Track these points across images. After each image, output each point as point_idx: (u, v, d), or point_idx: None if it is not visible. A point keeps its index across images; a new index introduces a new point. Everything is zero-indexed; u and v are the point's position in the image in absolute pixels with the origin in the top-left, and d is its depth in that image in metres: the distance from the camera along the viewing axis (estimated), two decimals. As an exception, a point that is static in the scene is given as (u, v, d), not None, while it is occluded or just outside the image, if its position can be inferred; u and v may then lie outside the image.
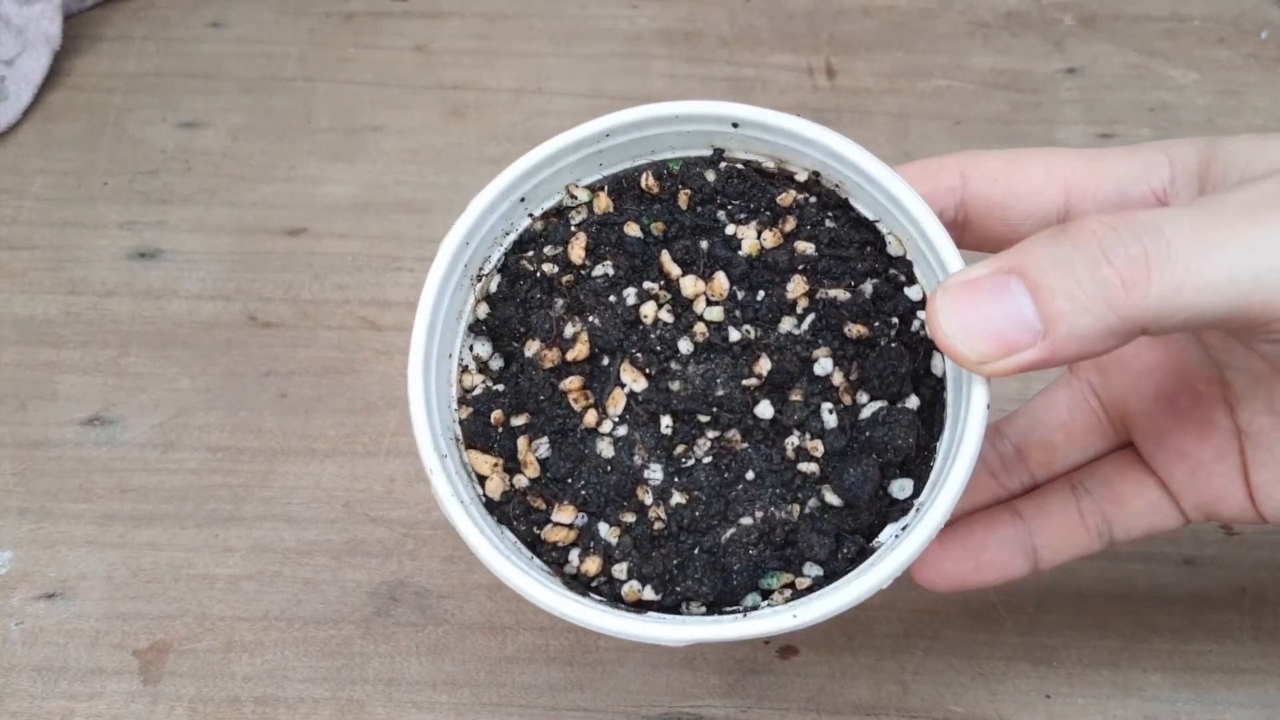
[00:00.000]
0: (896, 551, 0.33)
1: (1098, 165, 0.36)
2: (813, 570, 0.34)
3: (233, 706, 0.44)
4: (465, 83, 0.65)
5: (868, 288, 0.36)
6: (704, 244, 0.36)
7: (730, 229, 0.37)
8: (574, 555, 0.35)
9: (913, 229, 0.35)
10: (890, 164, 0.36)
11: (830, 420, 0.35)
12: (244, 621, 0.46)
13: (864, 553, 0.34)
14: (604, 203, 0.38)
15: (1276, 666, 0.45)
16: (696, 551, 0.35)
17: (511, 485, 0.36)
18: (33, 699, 0.44)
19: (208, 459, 0.51)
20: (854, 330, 0.35)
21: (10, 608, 0.47)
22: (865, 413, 0.35)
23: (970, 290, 0.31)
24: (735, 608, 0.35)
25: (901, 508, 0.35)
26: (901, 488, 0.35)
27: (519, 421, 0.36)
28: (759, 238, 0.36)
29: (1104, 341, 0.30)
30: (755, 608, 0.34)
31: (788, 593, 0.35)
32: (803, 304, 0.36)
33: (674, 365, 0.36)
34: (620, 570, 0.35)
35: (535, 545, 0.35)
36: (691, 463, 0.35)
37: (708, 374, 0.35)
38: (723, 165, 0.38)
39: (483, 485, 0.36)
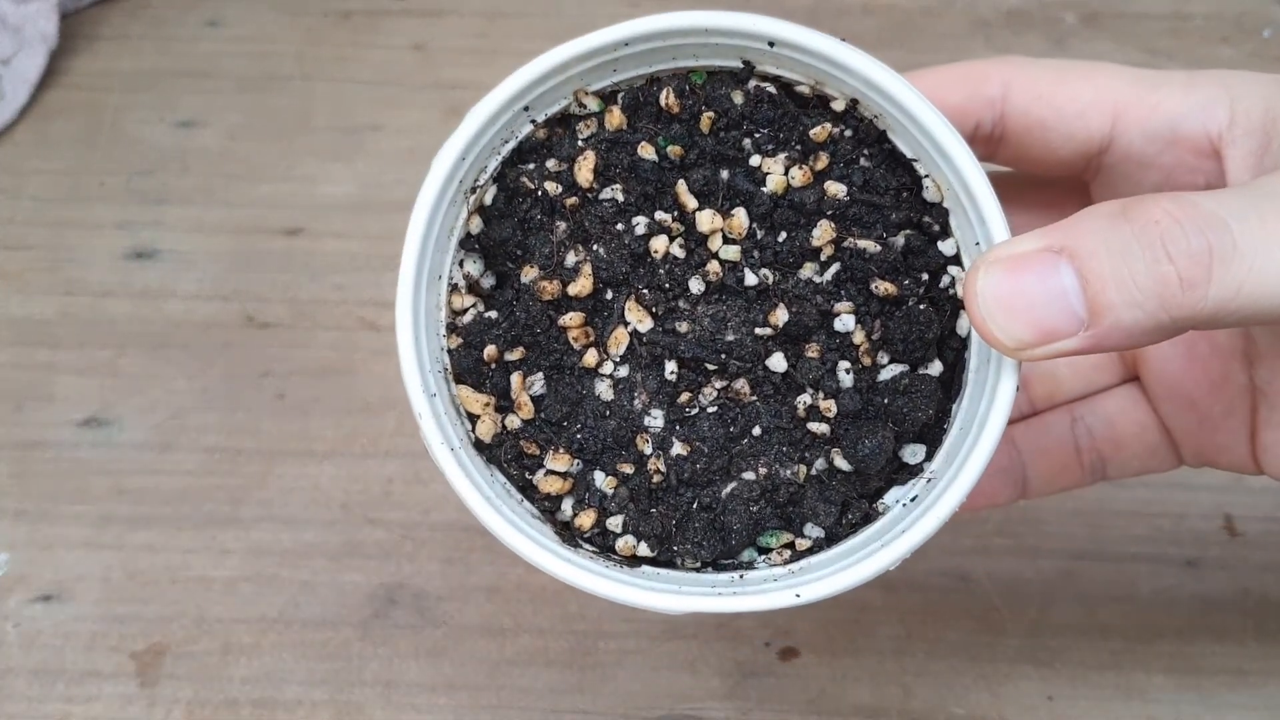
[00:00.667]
0: (906, 535, 0.31)
1: (1151, 94, 0.34)
2: (814, 531, 0.33)
3: (230, 709, 0.44)
4: (464, 82, 0.65)
5: (899, 240, 0.33)
6: (724, 174, 0.34)
7: (755, 160, 0.33)
8: (567, 505, 0.34)
9: (954, 179, 0.32)
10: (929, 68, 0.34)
11: (846, 380, 0.33)
12: (241, 624, 0.46)
13: (868, 517, 0.33)
14: (617, 118, 0.34)
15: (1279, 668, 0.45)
16: (695, 507, 0.33)
17: (503, 426, 0.34)
18: (29, 701, 0.44)
19: (205, 460, 0.51)
20: (881, 288, 0.33)
21: (6, 610, 0.46)
22: (884, 374, 0.33)
23: (1015, 269, 0.29)
24: (732, 562, 0.34)
25: (910, 471, 0.34)
26: (913, 453, 0.34)
27: (513, 356, 0.34)
28: (786, 174, 0.33)
29: (1149, 337, 0.28)
30: (751, 564, 0.34)
31: (786, 553, 0.33)
32: (828, 251, 0.33)
33: (682, 304, 0.33)
34: (615, 523, 0.33)
35: (527, 489, 0.34)
36: (695, 412, 0.33)
37: (718, 317, 0.33)
38: (752, 85, 0.34)
39: (473, 425, 0.34)
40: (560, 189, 0.34)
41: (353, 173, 0.61)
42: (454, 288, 0.35)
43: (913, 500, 0.33)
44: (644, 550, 0.33)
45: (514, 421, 0.34)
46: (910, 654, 0.45)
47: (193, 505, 0.49)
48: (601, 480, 0.33)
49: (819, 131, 0.33)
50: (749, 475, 0.33)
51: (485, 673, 0.45)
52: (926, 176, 0.33)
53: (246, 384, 0.53)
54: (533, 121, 0.34)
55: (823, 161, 0.33)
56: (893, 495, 0.34)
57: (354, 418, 0.52)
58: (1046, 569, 0.47)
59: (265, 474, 0.50)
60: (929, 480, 0.33)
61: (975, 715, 0.44)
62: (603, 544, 0.34)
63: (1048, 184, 0.39)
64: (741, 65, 0.34)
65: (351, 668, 0.45)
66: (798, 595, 0.31)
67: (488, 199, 0.35)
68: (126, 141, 0.62)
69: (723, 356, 0.33)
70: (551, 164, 0.34)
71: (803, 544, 0.33)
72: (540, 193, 0.34)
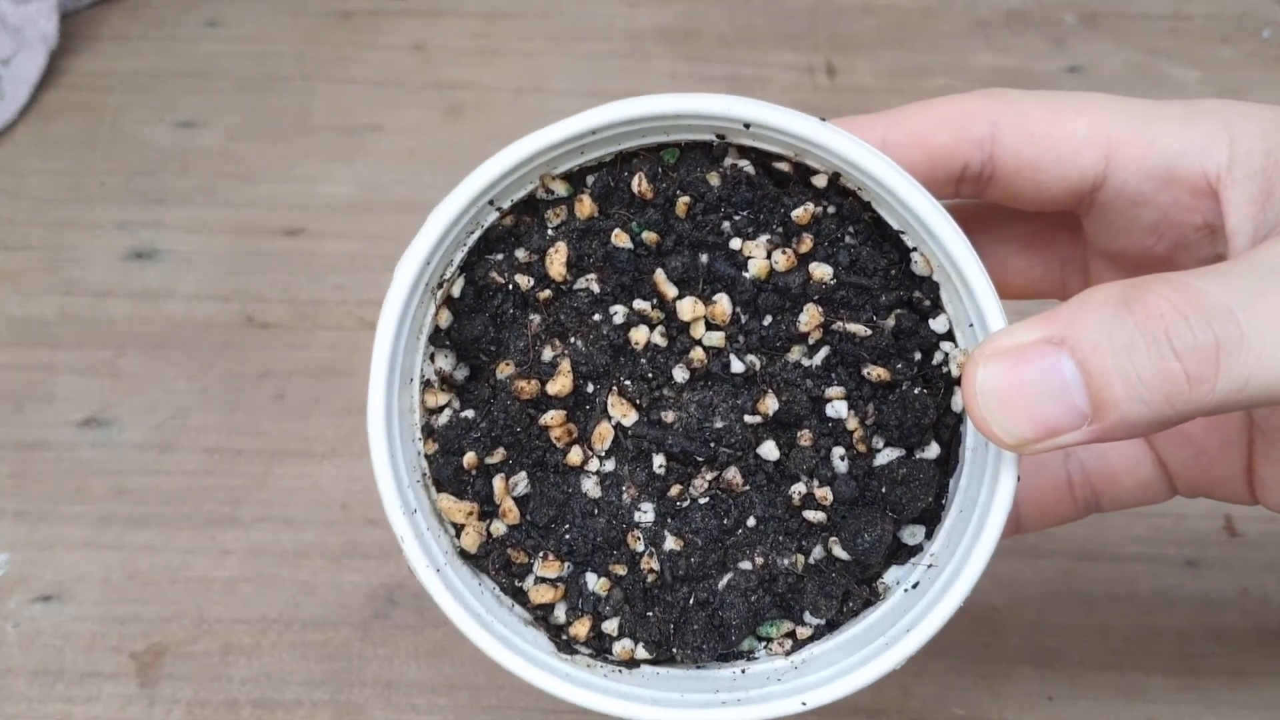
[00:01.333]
0: (912, 635, 0.31)
1: (1147, 129, 0.32)
2: (813, 619, 0.33)
3: (230, 710, 0.44)
4: (464, 82, 0.65)
5: (890, 322, 0.32)
6: (704, 258, 0.32)
7: (736, 243, 0.32)
8: (560, 610, 0.33)
9: (944, 258, 0.31)
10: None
11: (841, 466, 0.32)
12: (241, 624, 0.46)
13: (868, 601, 0.33)
14: (588, 207, 0.32)
15: (1280, 668, 0.45)
16: (692, 603, 0.32)
17: (489, 534, 0.33)
18: (29, 702, 0.44)
19: (205, 460, 0.51)
20: (874, 373, 0.32)
21: (6, 610, 0.46)
22: (880, 459, 0.32)
23: (1014, 364, 0.28)
24: (732, 653, 0.33)
25: (909, 550, 0.33)
26: (912, 533, 0.33)
27: (494, 460, 0.33)
28: (769, 258, 0.32)
29: (1153, 428, 0.28)
30: (752, 654, 0.33)
31: (788, 642, 0.33)
32: (815, 335, 0.32)
33: (667, 393, 0.32)
34: (611, 626, 0.33)
35: (517, 593, 0.33)
36: (687, 504, 0.32)
37: (705, 404, 0.32)
38: (728, 164, 0.32)
39: (457, 533, 0.33)
40: (532, 282, 0.32)
41: (353, 173, 0.61)
42: (426, 384, 0.33)
43: (914, 587, 0.33)
44: (642, 653, 0.33)
45: (499, 528, 0.33)
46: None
47: (193, 505, 0.49)
48: (594, 583, 0.33)
49: (801, 214, 0.32)
50: (745, 565, 0.32)
51: (485, 673, 0.45)
52: (914, 250, 0.32)
53: (246, 384, 0.53)
54: (498, 209, 0.33)
55: (806, 244, 0.32)
56: (892, 575, 0.33)
57: (354, 418, 0.52)
58: (1046, 569, 0.47)
59: (265, 474, 0.50)
60: (930, 565, 0.32)
61: (975, 715, 0.44)
62: (599, 647, 0.33)
63: (1035, 217, 0.38)
64: (715, 139, 0.32)
65: (351, 668, 0.45)
66: (804, 704, 0.31)
67: (456, 291, 0.33)
68: (126, 142, 0.62)
69: (712, 446, 0.32)
70: (521, 254, 0.33)
71: (804, 632, 0.33)
72: (511, 286, 0.33)
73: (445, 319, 0.33)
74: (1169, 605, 0.46)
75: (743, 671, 0.33)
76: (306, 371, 0.53)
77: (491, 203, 0.32)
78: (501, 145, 0.64)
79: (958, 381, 0.32)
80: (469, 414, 0.33)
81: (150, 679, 0.45)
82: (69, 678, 0.45)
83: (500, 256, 0.33)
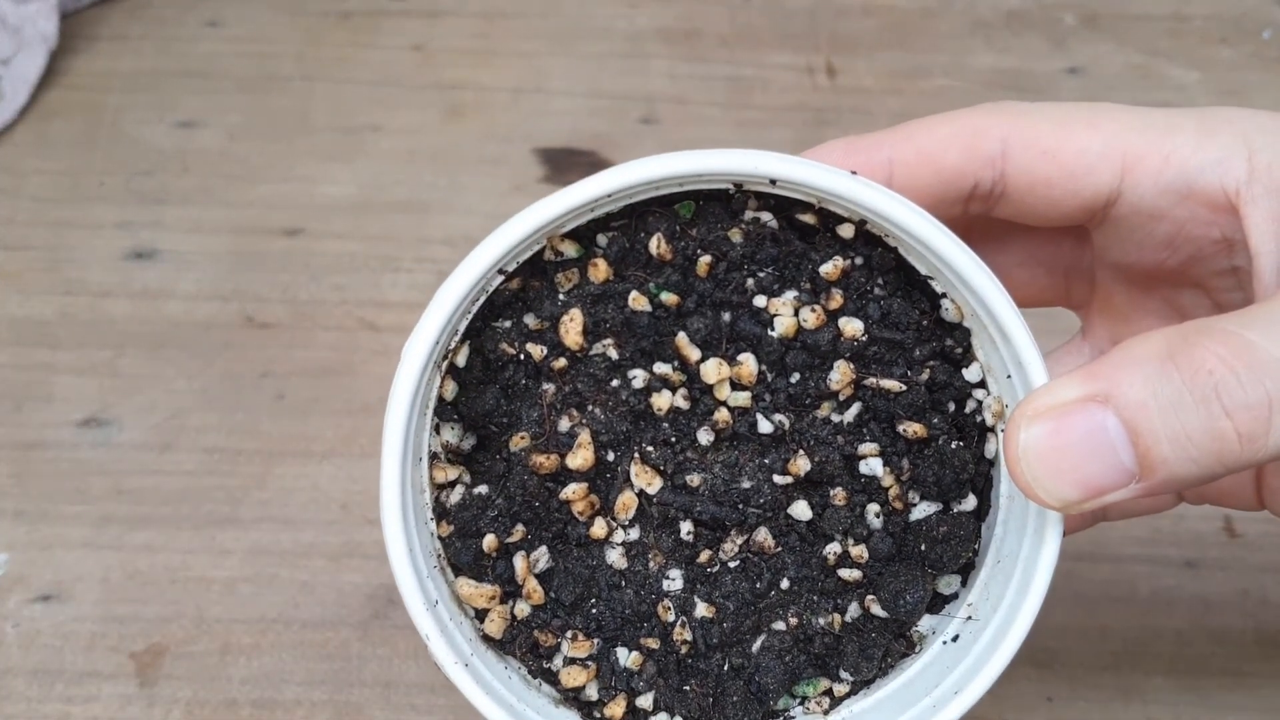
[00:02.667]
0: (958, 699, 0.30)
1: (1163, 143, 0.32)
2: (849, 676, 0.32)
3: (229, 709, 0.44)
4: (464, 82, 0.64)
5: (924, 376, 0.31)
6: (726, 316, 0.31)
7: (760, 300, 0.31)
8: (592, 689, 0.32)
9: (979, 308, 0.30)
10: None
11: (876, 523, 0.31)
12: (241, 624, 0.46)
13: (904, 654, 0.32)
14: (603, 271, 0.31)
15: (1279, 669, 0.45)
16: (726, 669, 0.31)
17: (513, 616, 0.32)
18: (29, 702, 0.44)
19: (204, 461, 0.51)
20: (910, 430, 0.31)
21: (6, 610, 0.46)
22: (916, 514, 0.32)
23: (1057, 425, 0.27)
24: (769, 715, 0.32)
25: (944, 599, 0.33)
26: (948, 583, 0.33)
27: (513, 538, 0.31)
28: (797, 316, 0.30)
29: (1200, 484, 0.27)
30: (788, 712, 0.32)
31: (825, 701, 0.32)
32: (846, 392, 0.31)
33: (691, 455, 0.31)
34: (646, 702, 0.31)
35: (545, 674, 0.32)
36: (717, 569, 0.31)
37: (731, 463, 0.31)
38: (749, 218, 0.31)
39: (480, 618, 0.32)
40: (545, 351, 0.31)
41: (352, 173, 0.61)
42: (433, 457, 0.32)
43: (954, 640, 0.32)
44: None
45: (524, 609, 0.31)
46: None
47: (192, 505, 0.49)
48: (626, 658, 0.31)
49: (830, 270, 0.31)
50: (779, 625, 0.32)
51: (484, 673, 0.45)
52: (944, 296, 0.31)
53: (246, 384, 0.53)
54: (502, 272, 0.31)
55: (836, 300, 0.31)
56: (926, 623, 0.33)
57: (354, 418, 0.52)
58: (1046, 570, 0.47)
59: (265, 474, 0.50)
60: (969, 618, 0.32)
61: (974, 716, 0.44)
62: None
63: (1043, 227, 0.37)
64: (733, 189, 0.31)
65: (351, 668, 0.45)
66: None
67: (460, 360, 0.31)
68: (126, 142, 0.62)
69: (740, 507, 0.31)
70: (531, 321, 0.31)
71: (840, 689, 0.32)
72: (523, 356, 0.31)
73: (450, 390, 0.32)
74: (1168, 606, 0.46)
75: None
76: (306, 371, 0.53)
77: (500, 269, 0.31)
78: (501, 146, 0.64)
79: (991, 430, 0.32)
80: (483, 490, 0.32)
81: (149, 679, 0.45)
82: (68, 678, 0.45)
83: (509, 324, 0.31)
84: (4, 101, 0.62)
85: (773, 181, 0.30)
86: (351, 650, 0.45)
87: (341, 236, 0.58)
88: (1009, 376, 0.31)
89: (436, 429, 0.32)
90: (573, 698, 0.32)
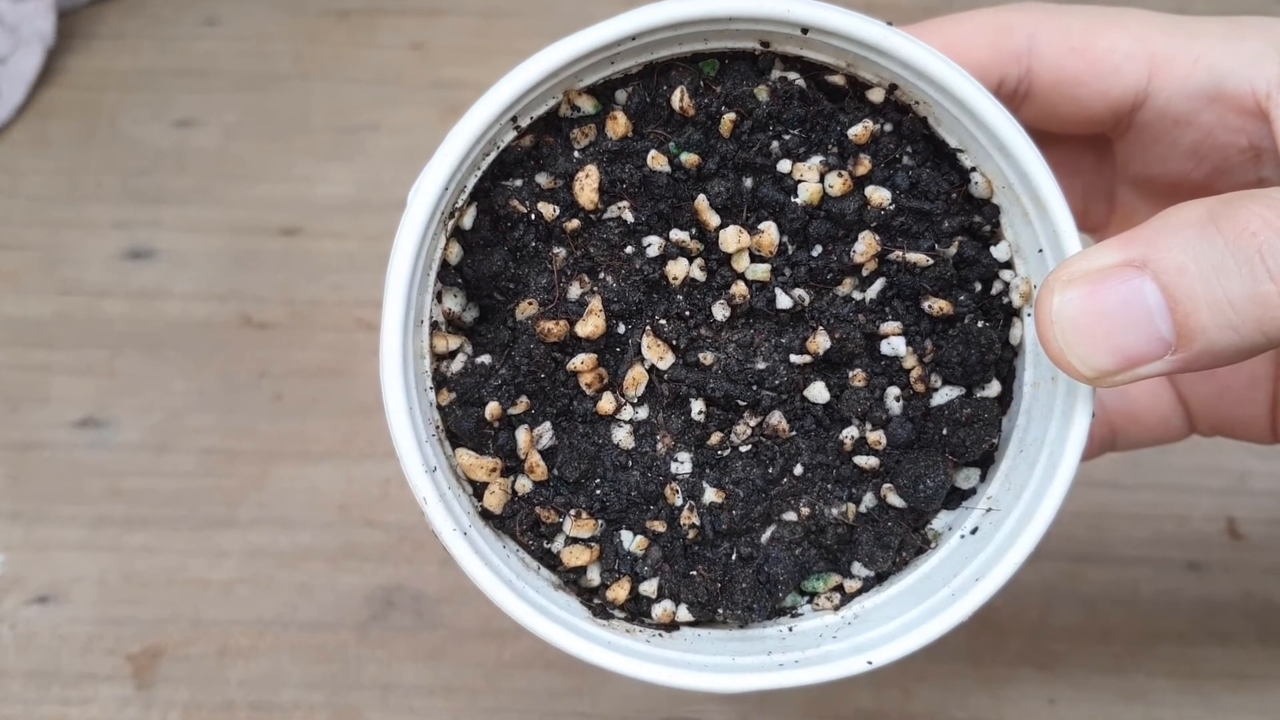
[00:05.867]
0: (980, 585, 0.29)
1: (1191, 45, 0.31)
2: (862, 570, 0.31)
3: (226, 712, 0.44)
4: (463, 81, 0.64)
5: (952, 250, 0.30)
6: (748, 182, 0.29)
7: (785, 165, 0.29)
8: (594, 572, 0.31)
9: (1014, 175, 0.29)
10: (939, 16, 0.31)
11: (895, 408, 0.30)
12: (238, 626, 0.46)
13: (919, 549, 0.31)
14: (622, 125, 0.29)
15: (1283, 671, 0.44)
16: (735, 559, 0.30)
17: (514, 492, 0.30)
18: (25, 704, 0.44)
19: (202, 461, 0.50)
20: (936, 306, 0.29)
21: (2, 612, 0.46)
22: (938, 399, 0.30)
23: (1093, 290, 0.26)
24: (777, 612, 0.31)
25: (961, 495, 0.31)
26: (966, 476, 0.31)
27: (516, 410, 0.30)
28: (822, 182, 0.29)
29: (1240, 357, 0.26)
30: (795, 610, 0.31)
31: (836, 597, 0.31)
32: (870, 266, 0.29)
33: (704, 332, 0.30)
34: (649, 588, 0.30)
35: (544, 556, 0.31)
36: (727, 453, 0.30)
37: (746, 343, 0.30)
38: (776, 78, 0.29)
39: (478, 493, 0.30)
40: (557, 211, 0.29)
41: (350, 172, 0.60)
42: (434, 326, 0.30)
43: (973, 533, 0.31)
44: (684, 615, 0.30)
45: (525, 485, 0.30)
46: (910, 656, 0.45)
47: (189, 507, 0.49)
48: (630, 541, 0.30)
49: (860, 132, 0.29)
50: (790, 516, 0.30)
51: (483, 675, 0.45)
52: (974, 170, 0.30)
53: (243, 385, 0.53)
54: (516, 128, 0.29)
55: (864, 166, 0.29)
56: (942, 520, 0.31)
57: (351, 419, 0.52)
58: (1048, 571, 0.47)
59: (262, 475, 0.50)
60: (989, 510, 0.30)
61: (976, 718, 0.44)
62: (635, 610, 0.31)
63: (1060, 140, 0.36)
64: (759, 47, 0.29)
65: (349, 670, 0.45)
66: (869, 662, 0.29)
67: (467, 222, 0.30)
68: (123, 141, 0.61)
69: (754, 389, 0.29)
70: (543, 180, 0.30)
71: (852, 585, 0.31)
72: (534, 216, 0.29)
73: (455, 254, 0.30)
74: (1171, 608, 0.46)
75: (790, 630, 0.31)
76: (304, 372, 0.53)
77: (513, 120, 0.29)
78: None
79: (1017, 312, 0.30)
80: (485, 359, 0.30)
81: (146, 681, 0.45)
82: (65, 680, 0.45)
83: (519, 183, 0.30)
84: (1, 100, 0.62)
85: (804, 31, 0.28)
86: (349, 652, 0.45)
87: (339, 236, 0.58)
88: (1040, 251, 0.29)
89: (439, 297, 0.30)
90: (573, 581, 0.31)
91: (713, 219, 0.29)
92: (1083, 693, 0.44)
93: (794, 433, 0.30)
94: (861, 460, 0.30)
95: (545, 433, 0.30)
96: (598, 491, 0.30)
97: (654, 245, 0.29)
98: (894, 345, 0.30)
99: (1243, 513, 0.48)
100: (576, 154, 0.30)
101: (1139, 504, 0.48)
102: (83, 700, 0.44)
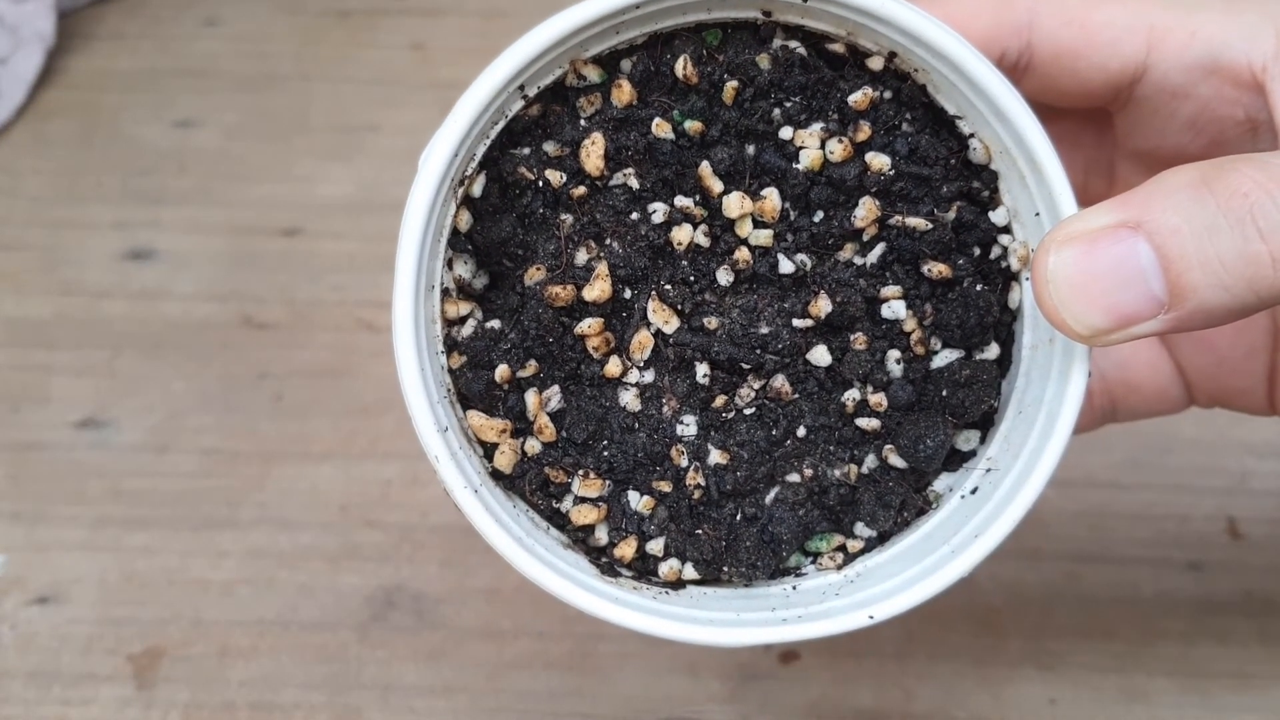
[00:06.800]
0: (980, 541, 0.29)
1: (1189, 19, 0.31)
2: (865, 530, 0.31)
3: (227, 712, 0.44)
4: (462, 81, 0.64)
5: (951, 215, 0.30)
6: (750, 149, 0.30)
7: (786, 132, 0.30)
8: (602, 531, 0.31)
9: (1010, 141, 0.30)
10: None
11: (896, 370, 0.31)
12: (239, 626, 0.46)
13: (921, 510, 0.32)
14: (627, 93, 0.30)
15: (1283, 671, 0.44)
16: (739, 519, 0.31)
17: (523, 453, 0.31)
18: (26, 704, 0.44)
19: (202, 462, 0.50)
20: (935, 270, 0.30)
21: (3, 612, 0.46)
22: (937, 361, 0.31)
23: (1087, 250, 0.26)
24: (781, 572, 0.31)
25: (962, 456, 0.32)
26: (966, 438, 0.32)
27: (525, 373, 0.30)
28: (823, 148, 0.30)
29: (1232, 316, 0.26)
30: (799, 570, 0.32)
31: (839, 556, 0.31)
32: (871, 231, 0.30)
33: (709, 297, 0.30)
34: (656, 546, 0.31)
35: (553, 515, 0.31)
36: (732, 415, 0.31)
37: (750, 308, 0.30)
38: (778, 46, 0.30)
39: (489, 454, 0.31)
40: (564, 178, 0.30)
41: (351, 173, 0.60)
42: (445, 293, 0.31)
43: (973, 493, 0.31)
44: (690, 573, 0.31)
45: (534, 446, 0.31)
46: (911, 656, 0.45)
47: (190, 507, 0.49)
48: (637, 501, 0.31)
49: (860, 99, 0.30)
50: (794, 478, 0.31)
51: (484, 676, 0.45)
52: (972, 136, 0.31)
53: (244, 385, 0.53)
54: (524, 98, 0.30)
55: (864, 132, 0.30)
56: (943, 482, 0.32)
57: (352, 419, 0.52)
58: (1049, 571, 0.47)
59: (263, 476, 0.50)
60: (989, 470, 0.31)
61: (977, 718, 0.44)
62: (642, 569, 0.31)
63: (1061, 115, 0.36)
64: (761, 16, 0.30)
65: (349, 671, 0.45)
66: (871, 616, 0.29)
67: (476, 190, 0.31)
68: (123, 141, 0.62)
69: (758, 352, 0.30)
70: (550, 148, 0.30)
71: (854, 545, 0.32)
72: (541, 183, 0.30)
73: (465, 221, 0.31)
74: (1172, 608, 0.46)
75: (794, 588, 0.31)
76: (304, 372, 0.53)
77: (521, 88, 0.30)
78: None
79: (1015, 276, 0.31)
80: (495, 324, 0.31)
81: (147, 681, 0.45)
82: (65, 680, 0.45)
83: (527, 150, 0.30)
84: (1, 101, 0.62)
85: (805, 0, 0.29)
86: (350, 653, 0.45)
87: (340, 236, 0.58)
88: (1037, 215, 0.30)
89: (449, 264, 0.31)
90: (581, 540, 0.31)
91: (716, 185, 0.30)
92: (1083, 693, 0.44)
93: (797, 395, 0.31)
94: (863, 422, 0.31)
95: (554, 395, 0.31)
96: (605, 453, 0.31)
97: (659, 211, 0.30)
98: (894, 309, 0.31)
99: (1243, 513, 0.48)
100: (583, 122, 0.30)
101: (1139, 504, 0.48)
102: (83, 700, 0.44)
